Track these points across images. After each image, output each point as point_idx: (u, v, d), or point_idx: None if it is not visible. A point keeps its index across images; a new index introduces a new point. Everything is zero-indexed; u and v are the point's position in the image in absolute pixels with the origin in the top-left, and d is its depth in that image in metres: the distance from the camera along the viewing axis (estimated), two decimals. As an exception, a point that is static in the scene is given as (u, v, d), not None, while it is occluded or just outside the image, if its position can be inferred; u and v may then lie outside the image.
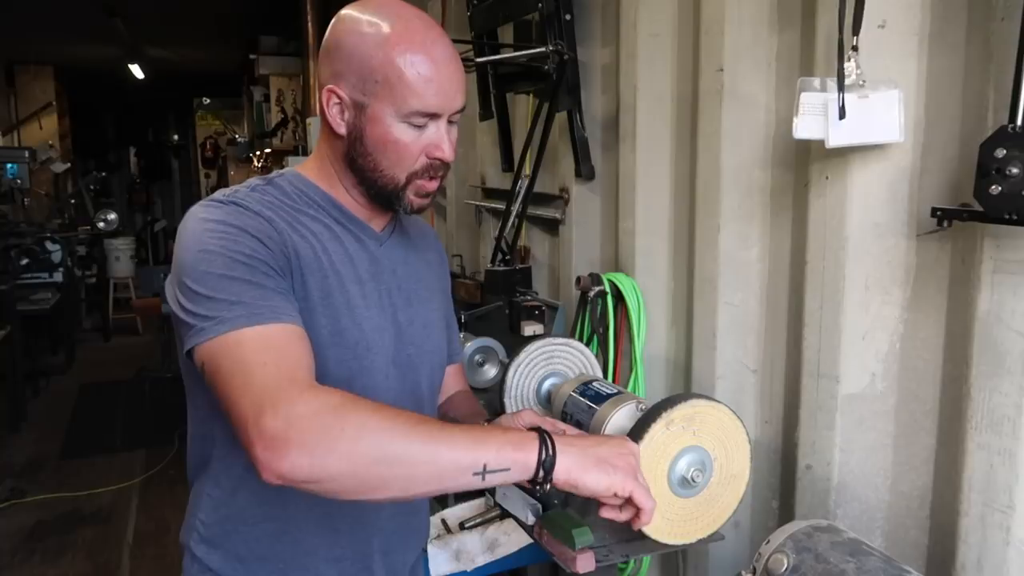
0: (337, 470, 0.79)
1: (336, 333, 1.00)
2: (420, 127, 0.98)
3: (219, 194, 0.99)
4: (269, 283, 0.90)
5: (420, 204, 1.05)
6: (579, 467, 0.84)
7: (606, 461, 0.86)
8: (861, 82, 1.15)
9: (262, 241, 0.92)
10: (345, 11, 0.99)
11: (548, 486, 0.84)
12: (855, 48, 1.14)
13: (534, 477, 0.83)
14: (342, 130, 0.99)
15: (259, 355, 0.83)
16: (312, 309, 0.98)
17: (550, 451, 0.83)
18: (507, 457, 0.82)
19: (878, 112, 1.15)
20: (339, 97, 0.98)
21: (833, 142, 1.17)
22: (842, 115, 1.14)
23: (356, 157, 1.01)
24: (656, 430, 1.14)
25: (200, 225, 0.92)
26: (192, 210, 0.97)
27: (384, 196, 1.03)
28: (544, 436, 0.84)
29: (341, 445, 0.78)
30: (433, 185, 1.04)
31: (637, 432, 1.15)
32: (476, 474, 0.81)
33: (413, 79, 0.94)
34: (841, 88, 1.14)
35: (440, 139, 0.99)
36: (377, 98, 0.96)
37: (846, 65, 1.15)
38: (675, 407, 1.15)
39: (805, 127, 1.18)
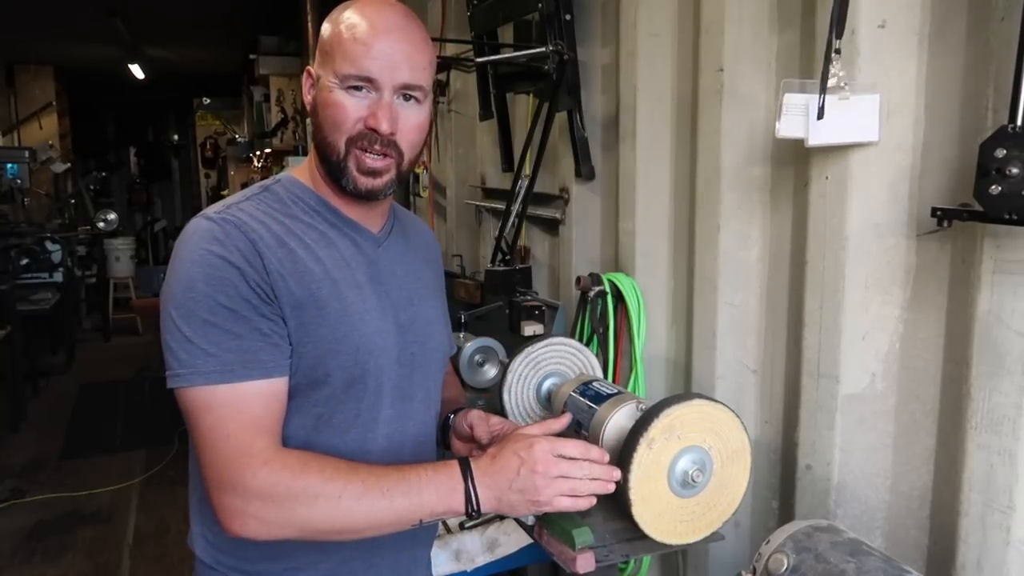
0: (290, 536, 0.93)
1: (335, 341, 1.00)
2: (358, 91, 0.99)
3: (216, 208, 1.01)
4: (246, 329, 0.94)
5: (367, 184, 1.02)
6: (504, 507, 0.97)
7: (523, 492, 0.95)
8: (843, 84, 1.16)
9: (244, 273, 0.94)
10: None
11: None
12: (838, 51, 1.15)
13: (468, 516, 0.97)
14: (309, 108, 1.04)
15: (224, 425, 0.92)
16: (309, 322, 0.99)
17: (475, 506, 0.95)
18: (439, 513, 0.95)
19: (857, 113, 1.17)
20: (311, 76, 1.04)
21: (812, 141, 1.19)
22: (820, 115, 1.17)
23: (315, 131, 1.04)
24: (641, 455, 1.14)
25: (193, 252, 0.95)
26: (190, 227, 0.99)
27: (333, 171, 1.03)
28: (469, 490, 0.95)
29: (294, 520, 0.91)
30: (374, 162, 1.00)
31: (624, 462, 1.15)
32: (413, 526, 0.96)
33: (348, 41, 0.98)
34: (824, 90, 1.16)
35: (376, 108, 0.99)
36: (324, 66, 1.01)
37: (830, 67, 1.17)
38: (650, 426, 1.14)
39: (787, 127, 1.21)
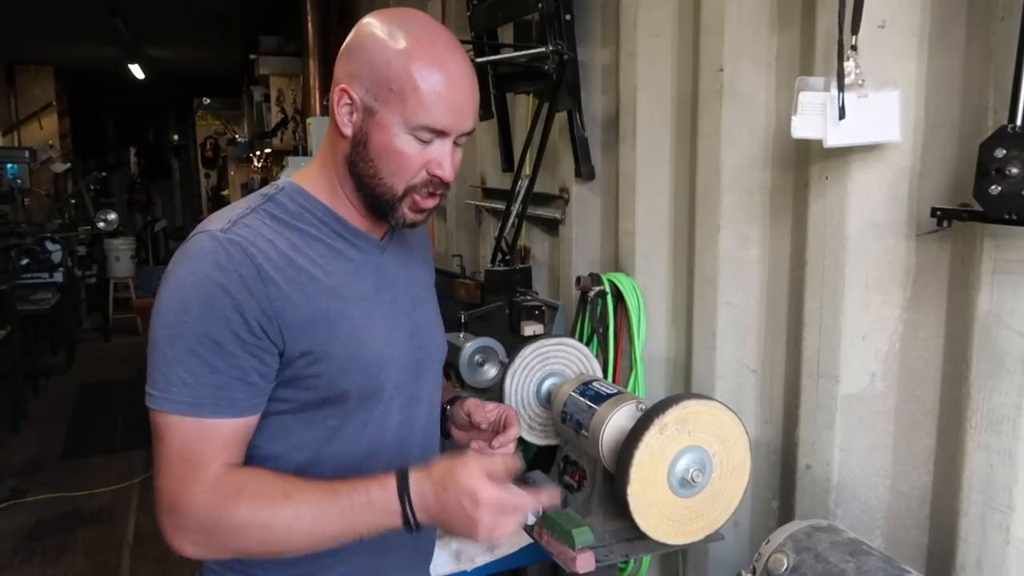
0: (223, 555, 0.98)
1: (347, 359, 1.00)
2: (426, 142, 0.98)
3: (221, 224, 0.97)
4: (227, 365, 0.93)
5: (414, 219, 1.04)
6: (445, 529, 0.96)
7: (463, 531, 0.94)
8: (860, 82, 1.15)
9: (240, 305, 0.92)
10: (372, 16, 0.99)
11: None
12: (854, 48, 1.14)
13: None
14: (348, 131, 0.99)
15: (182, 450, 0.94)
16: (321, 341, 0.98)
17: (413, 526, 0.94)
18: (377, 532, 0.95)
19: (877, 112, 1.15)
20: (351, 98, 0.97)
21: (831, 142, 1.17)
22: (842, 115, 1.14)
23: (358, 161, 1.00)
24: (650, 437, 1.14)
25: (194, 274, 0.93)
26: (193, 244, 0.96)
27: (379, 205, 1.02)
28: (407, 517, 0.94)
29: (228, 548, 0.95)
30: (430, 202, 1.03)
31: (632, 441, 1.15)
32: (353, 541, 0.95)
33: (426, 93, 0.94)
34: (841, 88, 1.14)
35: (443, 157, 0.99)
36: (387, 106, 0.96)
37: (846, 65, 1.15)
38: (667, 411, 1.15)
39: (804, 126, 1.18)
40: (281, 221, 1.00)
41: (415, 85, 0.94)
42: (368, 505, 0.93)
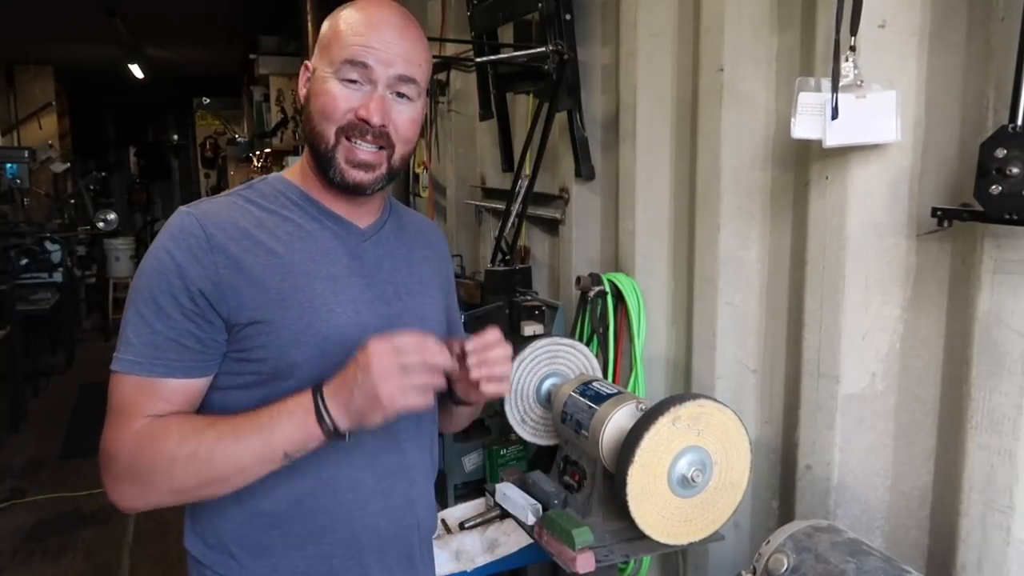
0: (162, 500, 0.98)
1: (299, 332, 1.01)
2: (352, 83, 1.00)
3: (193, 203, 1.06)
4: (165, 327, 0.98)
5: (355, 176, 1.02)
6: (355, 417, 0.94)
7: (366, 394, 0.92)
8: (859, 82, 1.15)
9: (183, 271, 0.98)
10: None
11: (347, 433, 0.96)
12: (853, 48, 1.15)
13: (331, 438, 0.95)
14: (302, 99, 1.06)
15: (122, 407, 0.98)
16: (269, 313, 1.00)
17: (330, 423, 0.94)
18: (299, 441, 0.95)
19: (875, 112, 1.15)
20: (307, 70, 1.06)
21: (830, 142, 1.17)
22: (835, 115, 1.15)
23: (304, 121, 1.05)
24: (663, 424, 1.14)
25: (155, 244, 1.02)
26: (172, 216, 1.04)
27: (321, 161, 1.03)
28: (320, 409, 0.94)
29: (159, 487, 0.96)
30: (363, 154, 1.01)
31: (644, 424, 1.15)
32: (284, 460, 0.96)
33: (344, 31, 1.01)
34: (835, 88, 1.15)
35: (368, 99, 1.00)
36: (320, 58, 1.03)
37: (844, 65, 1.15)
38: (683, 404, 1.15)
39: (803, 127, 1.19)
40: (254, 203, 1.06)
41: (337, 28, 1.02)
42: (283, 411, 0.95)
